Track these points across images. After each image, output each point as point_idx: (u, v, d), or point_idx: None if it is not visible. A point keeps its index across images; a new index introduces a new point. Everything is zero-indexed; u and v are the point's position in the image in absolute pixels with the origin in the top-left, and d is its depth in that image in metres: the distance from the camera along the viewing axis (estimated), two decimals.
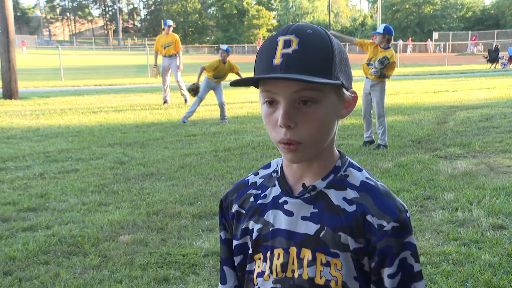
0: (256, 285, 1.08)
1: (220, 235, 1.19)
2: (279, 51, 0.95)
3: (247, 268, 1.11)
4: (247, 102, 13.21)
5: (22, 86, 16.37)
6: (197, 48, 68.02)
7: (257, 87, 1.00)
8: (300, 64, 0.93)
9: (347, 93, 1.01)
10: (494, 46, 31.22)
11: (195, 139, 8.06)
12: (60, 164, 6.39)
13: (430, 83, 18.42)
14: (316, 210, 1.02)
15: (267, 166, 1.16)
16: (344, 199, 1.02)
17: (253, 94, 14.90)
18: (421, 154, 6.71)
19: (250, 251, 1.09)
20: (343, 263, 0.99)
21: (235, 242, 1.13)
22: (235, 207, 1.13)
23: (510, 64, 28.82)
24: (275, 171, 1.12)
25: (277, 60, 0.94)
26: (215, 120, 9.98)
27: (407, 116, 10.10)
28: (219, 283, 1.20)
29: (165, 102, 12.66)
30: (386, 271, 0.98)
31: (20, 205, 4.75)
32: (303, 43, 0.94)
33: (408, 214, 1.01)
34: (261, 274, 1.07)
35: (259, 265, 1.08)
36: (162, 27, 12.36)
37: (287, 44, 0.95)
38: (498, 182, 5.27)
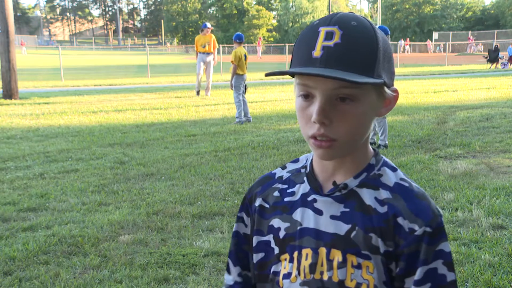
0: (282, 287, 1.01)
1: (234, 225, 1.12)
2: (320, 43, 0.88)
3: (273, 269, 1.04)
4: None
5: (22, 86, 16.37)
6: None
7: (293, 76, 0.95)
8: (341, 59, 0.87)
9: (388, 91, 0.95)
10: (494, 46, 31.22)
11: (195, 139, 8.06)
12: (60, 164, 6.39)
13: (430, 83, 18.42)
14: (347, 210, 0.97)
15: (296, 160, 1.10)
16: (376, 199, 0.97)
17: (253, 94, 14.89)
18: (421, 154, 6.70)
19: (277, 251, 1.03)
20: (375, 265, 0.94)
21: (259, 238, 1.06)
22: (258, 201, 1.07)
23: (510, 64, 28.83)
24: (304, 167, 1.06)
25: (316, 53, 0.88)
26: (215, 120, 9.98)
27: (407, 116, 10.10)
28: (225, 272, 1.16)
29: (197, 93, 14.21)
30: (411, 280, 0.93)
31: (20, 205, 4.75)
32: (346, 37, 0.88)
33: (442, 219, 0.95)
34: (287, 276, 1.00)
35: (285, 266, 1.01)
36: (201, 29, 14.17)
37: (329, 36, 0.88)
38: (498, 182, 5.27)
